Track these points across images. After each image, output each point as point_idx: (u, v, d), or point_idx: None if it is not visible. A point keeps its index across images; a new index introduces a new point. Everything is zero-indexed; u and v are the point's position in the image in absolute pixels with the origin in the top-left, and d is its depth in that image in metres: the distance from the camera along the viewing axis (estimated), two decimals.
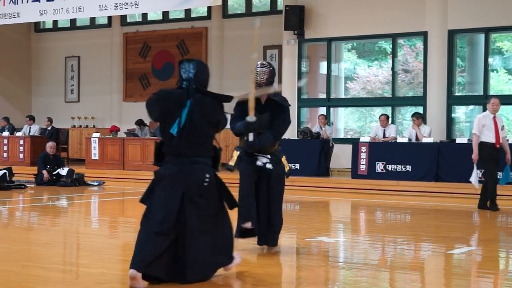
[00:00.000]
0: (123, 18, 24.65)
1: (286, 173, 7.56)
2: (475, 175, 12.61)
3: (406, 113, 19.90)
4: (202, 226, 6.02)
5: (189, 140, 6.04)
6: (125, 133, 21.13)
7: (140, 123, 21.19)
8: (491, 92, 18.12)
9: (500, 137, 12.22)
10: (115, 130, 21.23)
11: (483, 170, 13.01)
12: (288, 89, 20.21)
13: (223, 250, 6.19)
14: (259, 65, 7.41)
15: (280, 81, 21.23)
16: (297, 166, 17.21)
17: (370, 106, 20.83)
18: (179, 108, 6.05)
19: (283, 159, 7.54)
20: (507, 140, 12.89)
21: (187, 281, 5.94)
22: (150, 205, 6.14)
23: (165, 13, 24.02)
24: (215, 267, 6.17)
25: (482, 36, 18.01)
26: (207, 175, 6.06)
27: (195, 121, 6.05)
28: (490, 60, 18.17)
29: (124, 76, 24.80)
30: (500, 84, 19.34)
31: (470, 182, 12.92)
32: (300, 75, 20.01)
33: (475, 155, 12.34)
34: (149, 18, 24.59)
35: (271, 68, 7.53)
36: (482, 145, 12.25)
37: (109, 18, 24.67)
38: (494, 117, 12.29)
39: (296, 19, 19.40)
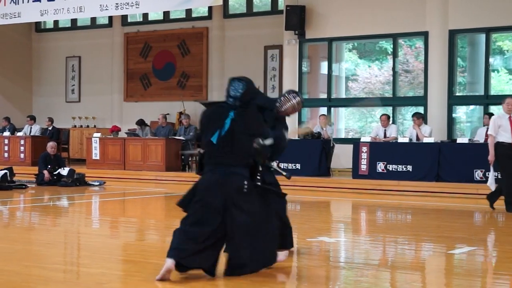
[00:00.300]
0: (124, 18, 24.65)
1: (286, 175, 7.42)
2: (492, 177, 12.33)
3: (406, 113, 19.90)
4: (249, 227, 6.29)
5: (228, 149, 6.32)
6: (126, 133, 21.13)
7: (141, 123, 21.18)
8: (492, 92, 18.12)
9: None
10: (116, 130, 21.23)
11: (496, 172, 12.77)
12: (288, 89, 20.21)
13: (268, 250, 6.45)
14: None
15: (281, 81, 21.26)
16: (298, 166, 17.21)
17: (371, 106, 20.81)
18: (222, 119, 6.38)
19: None
20: None
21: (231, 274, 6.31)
22: (190, 210, 6.38)
23: (166, 13, 24.02)
24: (263, 265, 6.47)
25: (483, 36, 18.00)
26: (245, 182, 6.32)
27: (236, 132, 6.33)
28: (491, 60, 18.16)
29: (125, 76, 24.80)
30: (501, 84, 19.33)
31: (475, 183, 12.83)
32: (301, 75, 20.00)
33: (491, 156, 12.08)
34: (150, 18, 24.59)
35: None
36: (498, 145, 12.00)
37: (110, 18, 24.66)
38: (510, 117, 12.06)
39: (297, 19, 19.39)
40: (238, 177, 6.30)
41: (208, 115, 6.54)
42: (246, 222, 6.27)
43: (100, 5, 20.31)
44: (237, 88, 6.52)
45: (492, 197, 12.25)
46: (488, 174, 12.53)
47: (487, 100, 18.02)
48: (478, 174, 15.19)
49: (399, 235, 9.34)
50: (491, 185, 12.37)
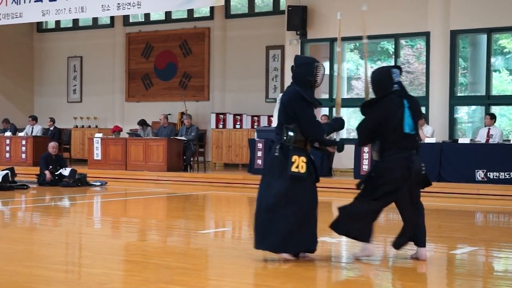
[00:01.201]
0: (125, 18, 24.66)
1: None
2: None
3: None
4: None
5: (415, 137, 7.06)
6: (127, 133, 21.14)
7: (142, 123, 21.19)
8: (493, 93, 18.12)
9: None
10: (117, 130, 21.25)
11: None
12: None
13: None
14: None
15: (282, 82, 21.26)
16: None
17: None
18: (399, 109, 6.98)
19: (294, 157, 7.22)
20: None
21: None
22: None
23: (168, 13, 24.04)
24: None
25: (484, 37, 18.00)
26: (423, 164, 7.09)
27: (415, 120, 7.05)
28: (492, 60, 18.16)
29: (127, 76, 24.82)
30: (502, 84, 19.33)
31: (477, 183, 12.79)
32: None
33: None
34: (152, 18, 24.61)
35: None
36: None
37: (112, 18, 24.68)
38: None
39: (298, 19, 19.40)
40: (419, 158, 7.09)
41: (387, 107, 6.97)
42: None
43: (102, 5, 20.33)
44: (397, 74, 7.12)
45: None
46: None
47: (488, 101, 18.02)
48: (479, 174, 15.19)
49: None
50: None
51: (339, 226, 7.23)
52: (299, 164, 6.98)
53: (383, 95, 7.08)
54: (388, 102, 7.04)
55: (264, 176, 7.30)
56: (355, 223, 7.12)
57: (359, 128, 7.22)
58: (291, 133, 6.99)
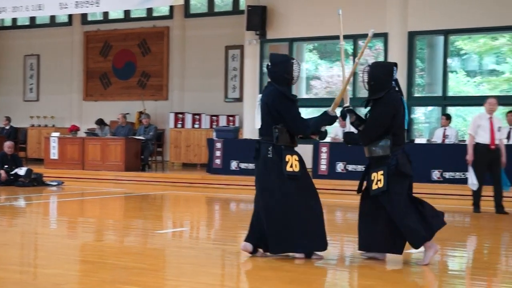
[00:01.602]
0: (83, 16, 24.47)
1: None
2: (472, 177, 12.09)
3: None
4: None
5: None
6: (85, 132, 20.98)
7: (100, 122, 21.04)
8: (450, 94, 18.33)
9: (495, 138, 11.91)
10: (75, 129, 21.06)
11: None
12: (249, 89, 20.26)
13: None
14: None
15: (241, 81, 21.27)
16: (253, 165, 17.20)
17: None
18: (401, 105, 7.17)
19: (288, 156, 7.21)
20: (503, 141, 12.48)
21: None
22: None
23: (127, 12, 23.90)
24: None
25: (441, 38, 18.21)
26: None
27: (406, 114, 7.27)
28: (449, 61, 18.38)
29: (85, 75, 24.62)
30: (459, 85, 19.54)
31: (433, 183, 12.95)
32: (262, 75, 20.04)
33: (470, 156, 12.00)
34: (110, 16, 24.44)
35: None
36: (476, 146, 11.97)
37: (70, 16, 24.48)
38: (491, 118, 12.01)
39: (258, 19, 19.43)
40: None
41: (394, 103, 7.12)
42: None
43: (60, 3, 20.14)
44: (396, 72, 7.24)
45: (477, 206, 12.19)
46: (467, 174, 12.37)
47: (445, 101, 18.23)
48: (435, 174, 15.36)
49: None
50: (472, 185, 12.16)
51: (418, 239, 7.06)
52: (292, 163, 7.10)
53: (383, 90, 7.14)
54: (393, 98, 7.15)
55: (258, 179, 7.25)
56: (422, 224, 7.11)
57: (371, 125, 7.21)
58: (279, 133, 7.10)
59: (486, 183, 12.13)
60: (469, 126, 12.51)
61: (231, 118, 21.36)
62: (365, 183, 7.35)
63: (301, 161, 7.18)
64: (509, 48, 19.07)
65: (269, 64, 7.34)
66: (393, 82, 7.21)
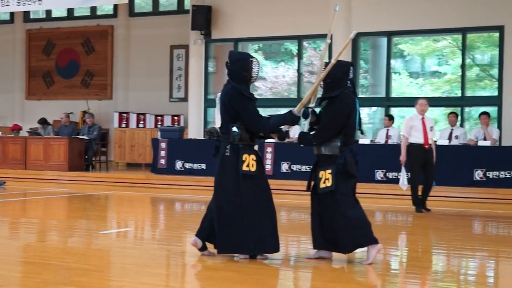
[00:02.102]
0: (26, 14, 24.15)
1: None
2: (404, 177, 12.37)
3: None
4: None
5: None
6: (27, 132, 20.70)
7: (43, 122, 20.78)
8: (393, 95, 18.56)
9: (429, 138, 12.17)
10: (17, 129, 20.77)
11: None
12: (194, 89, 20.23)
13: None
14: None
15: (186, 81, 21.22)
16: (203, 166, 17.23)
17: (276, 107, 20.98)
18: (355, 105, 7.19)
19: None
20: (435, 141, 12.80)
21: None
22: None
23: (70, 10, 23.66)
24: None
25: (384, 40, 18.44)
26: None
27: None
28: (392, 63, 18.62)
29: (27, 73, 24.30)
30: (402, 86, 19.81)
31: (376, 183, 13.13)
32: (206, 75, 20.04)
33: (403, 157, 12.26)
34: (53, 15, 24.16)
35: None
36: (411, 146, 12.21)
37: (12, 14, 24.13)
38: (423, 118, 12.25)
39: (203, 19, 19.42)
40: None
41: (349, 102, 7.14)
42: None
43: (1, 0, 19.83)
44: (351, 71, 7.30)
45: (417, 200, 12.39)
46: (400, 174, 12.65)
47: (388, 102, 18.45)
48: (379, 174, 15.55)
49: (302, 234, 9.46)
50: (403, 185, 12.43)
51: (348, 243, 7.08)
52: (249, 162, 7.06)
53: (338, 89, 7.13)
54: (348, 97, 7.16)
55: (216, 177, 7.22)
56: (362, 230, 7.13)
57: (328, 123, 7.14)
58: (236, 131, 7.06)
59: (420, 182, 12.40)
60: (402, 127, 12.73)
61: (176, 118, 21.29)
62: (312, 182, 7.37)
63: (258, 161, 7.14)
64: (450, 50, 19.40)
65: (228, 61, 7.29)
66: (349, 82, 7.23)
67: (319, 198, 7.21)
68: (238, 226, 7.00)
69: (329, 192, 7.05)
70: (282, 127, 7.32)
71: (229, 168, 7.08)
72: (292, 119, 7.24)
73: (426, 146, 12.14)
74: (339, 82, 7.17)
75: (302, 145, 7.47)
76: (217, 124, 7.53)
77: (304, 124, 7.34)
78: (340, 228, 7.00)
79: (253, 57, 7.31)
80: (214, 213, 7.11)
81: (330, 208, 7.06)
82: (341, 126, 7.11)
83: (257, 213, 7.05)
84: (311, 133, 7.32)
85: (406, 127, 12.33)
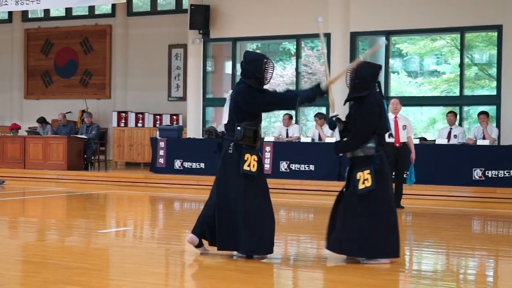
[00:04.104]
0: (24, 13, 24.13)
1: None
2: None
3: (309, 113, 20.17)
4: None
5: None
6: (26, 131, 20.69)
7: (42, 121, 20.76)
8: (392, 94, 18.56)
9: (400, 136, 12.35)
10: (15, 128, 20.75)
11: None
12: (193, 88, 20.22)
13: None
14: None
15: (185, 80, 21.22)
16: (202, 165, 17.23)
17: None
18: (384, 107, 7.25)
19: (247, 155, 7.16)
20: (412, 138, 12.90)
21: None
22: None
23: (68, 10, 23.64)
24: None
25: (383, 39, 18.41)
26: None
27: None
28: (391, 62, 18.62)
29: (25, 73, 24.28)
30: (400, 85, 19.83)
31: None
32: (205, 75, 20.03)
33: None
34: (52, 14, 24.14)
35: None
36: (387, 145, 12.37)
37: (10, 13, 24.10)
38: (396, 117, 12.46)
39: (201, 19, 19.40)
40: None
41: (379, 102, 7.15)
42: None
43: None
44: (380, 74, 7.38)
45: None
46: None
47: (387, 102, 18.39)
48: None
49: (301, 233, 9.47)
50: None
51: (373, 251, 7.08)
52: (251, 162, 7.06)
53: (366, 90, 7.12)
54: (377, 98, 7.17)
55: (218, 174, 7.21)
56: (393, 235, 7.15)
57: (363, 125, 7.09)
58: (241, 130, 7.05)
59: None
60: None
61: (174, 117, 21.29)
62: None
63: (259, 162, 7.15)
64: (449, 49, 19.42)
65: (243, 61, 7.26)
66: (377, 84, 7.23)
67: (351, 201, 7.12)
68: (237, 224, 7.00)
69: (368, 193, 6.97)
70: (331, 115, 7.29)
71: (231, 166, 7.08)
72: (319, 93, 7.15)
73: (397, 145, 12.34)
74: (368, 83, 7.14)
75: (340, 154, 7.52)
76: (224, 120, 7.50)
77: (334, 134, 7.34)
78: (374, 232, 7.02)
79: (268, 58, 7.24)
80: (216, 209, 7.10)
81: (359, 210, 7.01)
82: (375, 126, 7.09)
83: (255, 213, 7.04)
84: (344, 139, 7.29)
85: None
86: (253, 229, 7.00)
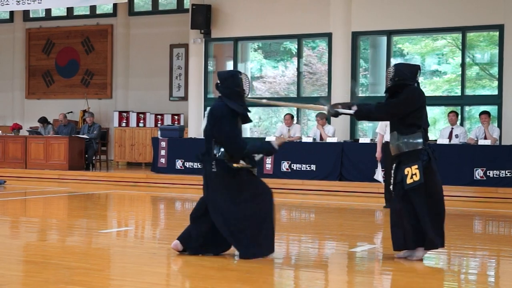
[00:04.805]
0: (25, 13, 24.13)
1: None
2: (379, 172, 12.92)
3: (310, 113, 20.16)
4: None
5: None
6: (27, 131, 20.69)
7: (43, 121, 20.76)
8: None
9: None
10: (17, 128, 20.75)
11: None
12: (194, 88, 20.22)
13: None
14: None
15: (186, 80, 21.21)
16: (198, 165, 17.20)
17: (276, 106, 20.98)
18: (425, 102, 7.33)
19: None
20: None
21: None
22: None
23: (70, 9, 23.65)
24: None
25: (384, 39, 18.43)
26: None
27: None
28: (392, 62, 18.58)
29: (27, 72, 24.29)
30: None
31: (376, 181, 13.22)
32: (206, 74, 20.02)
33: (378, 154, 12.67)
34: (53, 14, 24.14)
35: None
36: (387, 144, 12.33)
37: (11, 13, 24.10)
38: None
39: (202, 18, 19.40)
40: None
41: (421, 93, 7.24)
42: None
43: (1, 0, 19.82)
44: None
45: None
46: (376, 170, 13.12)
47: None
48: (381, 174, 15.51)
49: (303, 233, 9.46)
50: (378, 177, 13.04)
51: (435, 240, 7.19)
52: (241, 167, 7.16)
53: (406, 87, 7.18)
54: (420, 92, 7.27)
55: (210, 196, 7.22)
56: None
57: (396, 102, 7.13)
58: (221, 149, 7.12)
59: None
60: (378, 125, 12.91)
61: (176, 117, 21.28)
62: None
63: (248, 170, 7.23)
64: (450, 49, 19.40)
65: (218, 82, 7.34)
66: (416, 84, 7.28)
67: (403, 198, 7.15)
68: (244, 231, 7.05)
69: (417, 187, 7.00)
70: (255, 155, 7.29)
71: (219, 183, 7.11)
72: (268, 149, 7.31)
73: None
74: (407, 80, 7.19)
75: (358, 120, 7.55)
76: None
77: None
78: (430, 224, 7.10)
79: (241, 73, 7.37)
80: (221, 227, 7.11)
81: (415, 205, 7.07)
82: (404, 111, 7.10)
83: (256, 219, 7.07)
84: (367, 105, 7.35)
85: (381, 125, 12.63)
86: (257, 235, 7.06)
